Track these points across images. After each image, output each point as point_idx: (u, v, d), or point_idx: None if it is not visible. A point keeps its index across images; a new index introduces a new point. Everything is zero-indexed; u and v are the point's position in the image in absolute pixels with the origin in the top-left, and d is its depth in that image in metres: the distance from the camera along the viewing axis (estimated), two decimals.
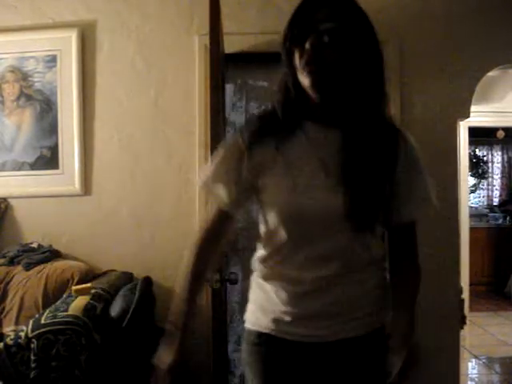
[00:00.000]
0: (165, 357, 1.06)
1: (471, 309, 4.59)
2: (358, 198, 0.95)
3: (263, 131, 1.03)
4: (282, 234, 1.03)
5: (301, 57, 0.93)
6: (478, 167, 6.79)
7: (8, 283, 2.29)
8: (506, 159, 6.90)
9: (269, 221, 1.06)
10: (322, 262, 1.02)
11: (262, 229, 1.10)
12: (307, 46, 0.91)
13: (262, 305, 1.11)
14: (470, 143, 4.94)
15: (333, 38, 0.91)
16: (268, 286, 1.09)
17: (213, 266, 1.15)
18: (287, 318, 1.05)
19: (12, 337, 1.80)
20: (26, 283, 2.25)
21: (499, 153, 6.90)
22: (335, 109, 0.99)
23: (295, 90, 0.98)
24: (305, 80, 0.94)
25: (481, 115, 4.29)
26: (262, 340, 1.09)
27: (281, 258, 1.06)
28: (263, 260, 1.10)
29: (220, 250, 1.16)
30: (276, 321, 1.07)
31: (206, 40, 1.89)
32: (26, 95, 2.58)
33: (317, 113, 1.00)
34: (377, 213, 0.99)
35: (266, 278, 1.10)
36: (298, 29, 0.93)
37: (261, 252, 1.12)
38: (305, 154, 1.00)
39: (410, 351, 1.03)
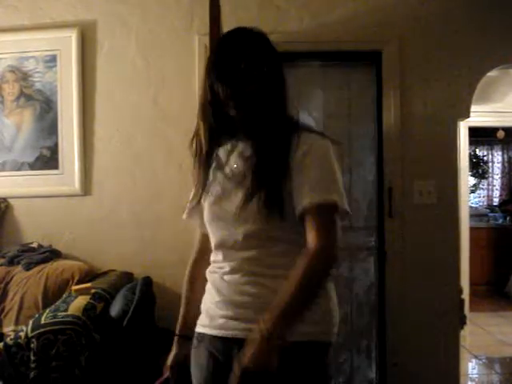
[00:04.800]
0: (168, 359, 1.24)
1: (471, 309, 4.58)
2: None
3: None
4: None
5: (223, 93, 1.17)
6: (478, 167, 6.79)
7: (8, 283, 2.29)
8: (506, 159, 6.91)
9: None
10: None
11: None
12: (225, 91, 1.17)
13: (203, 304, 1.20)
14: (470, 143, 4.94)
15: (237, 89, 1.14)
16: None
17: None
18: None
19: (12, 337, 1.80)
20: (26, 283, 2.25)
21: (499, 153, 6.90)
22: (248, 124, 1.17)
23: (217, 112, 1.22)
24: (228, 107, 1.18)
25: (481, 115, 4.29)
26: (200, 338, 1.17)
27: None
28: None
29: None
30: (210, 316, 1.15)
31: (206, 40, 1.90)
32: (26, 95, 2.58)
33: (236, 129, 1.21)
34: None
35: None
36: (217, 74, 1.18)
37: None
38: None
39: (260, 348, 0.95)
